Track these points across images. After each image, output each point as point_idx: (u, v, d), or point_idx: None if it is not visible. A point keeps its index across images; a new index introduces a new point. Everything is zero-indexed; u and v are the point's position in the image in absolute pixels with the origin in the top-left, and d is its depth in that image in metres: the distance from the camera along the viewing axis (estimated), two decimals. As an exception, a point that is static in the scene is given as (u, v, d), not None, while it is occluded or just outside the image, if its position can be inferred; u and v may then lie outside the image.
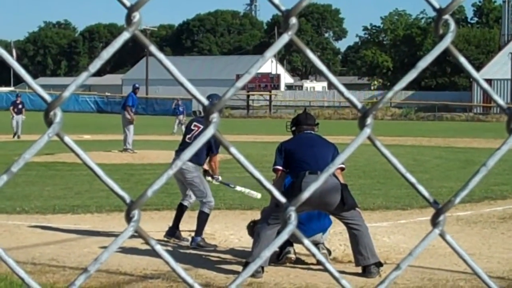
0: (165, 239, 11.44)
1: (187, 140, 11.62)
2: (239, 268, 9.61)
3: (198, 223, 11.30)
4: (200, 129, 11.60)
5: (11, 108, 38.80)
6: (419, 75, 1.28)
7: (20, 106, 38.40)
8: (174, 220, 11.66)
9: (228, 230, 12.41)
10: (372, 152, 18.62)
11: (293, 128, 10.15)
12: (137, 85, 28.73)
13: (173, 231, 11.59)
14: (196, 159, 11.11)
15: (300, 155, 9.53)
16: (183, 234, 11.68)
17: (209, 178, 11.75)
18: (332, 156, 9.42)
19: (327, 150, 9.61)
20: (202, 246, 11.12)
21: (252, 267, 1.22)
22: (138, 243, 10.22)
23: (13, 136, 37.10)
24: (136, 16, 1.11)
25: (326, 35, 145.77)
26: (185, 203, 11.71)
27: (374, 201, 15.83)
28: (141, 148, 27.96)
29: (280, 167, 9.63)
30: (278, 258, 9.84)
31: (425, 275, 9.25)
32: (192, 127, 11.81)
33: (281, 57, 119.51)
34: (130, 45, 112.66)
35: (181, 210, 11.74)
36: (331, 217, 10.09)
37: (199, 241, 11.17)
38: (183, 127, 44.98)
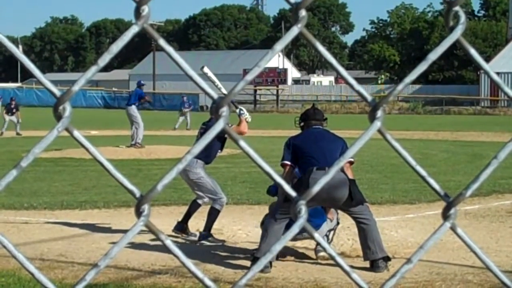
0: (173, 233, 11.42)
1: None
2: (247, 263, 9.61)
3: (207, 219, 11.26)
4: (205, 127, 11.59)
5: (4, 110, 39.53)
6: (426, 69, 1.27)
7: (14, 110, 38.98)
8: (185, 216, 11.62)
9: (236, 225, 12.41)
10: (379, 146, 18.70)
11: (302, 124, 10.14)
12: (142, 82, 28.71)
13: (182, 226, 11.57)
14: (205, 156, 11.07)
15: (308, 151, 9.52)
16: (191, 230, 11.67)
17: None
18: (341, 151, 9.41)
19: (335, 145, 9.59)
20: (210, 241, 11.11)
21: (263, 262, 1.21)
22: (146, 239, 10.23)
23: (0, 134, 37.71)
24: (145, 9, 1.10)
25: (333, 29, 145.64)
26: (199, 201, 11.59)
27: (382, 195, 15.81)
28: (148, 143, 27.96)
29: (288, 162, 9.61)
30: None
31: (434, 269, 9.23)
32: (200, 130, 11.79)
33: (288, 52, 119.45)
34: (137, 41, 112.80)
35: (193, 207, 11.66)
36: (330, 216, 10.13)
37: (207, 237, 11.16)
38: (182, 118, 44.81)
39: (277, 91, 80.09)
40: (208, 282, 1.18)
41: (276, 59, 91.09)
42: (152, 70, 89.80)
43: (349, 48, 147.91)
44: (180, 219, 11.66)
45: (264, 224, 9.58)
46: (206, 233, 11.20)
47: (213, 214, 11.27)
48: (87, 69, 1.13)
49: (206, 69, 11.70)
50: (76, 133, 1.11)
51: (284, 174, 9.54)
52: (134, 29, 1.11)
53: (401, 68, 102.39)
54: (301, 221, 1.18)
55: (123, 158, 24.40)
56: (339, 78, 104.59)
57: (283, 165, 9.63)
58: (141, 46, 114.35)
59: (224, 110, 1.14)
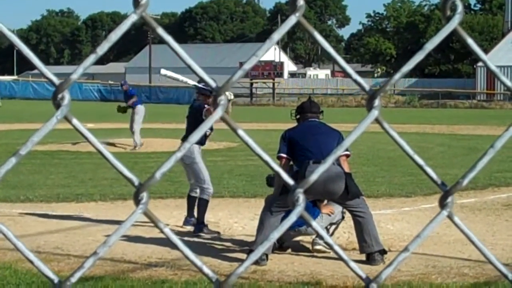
0: (170, 224, 11.45)
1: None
2: (243, 256, 9.62)
3: (198, 210, 11.33)
4: (190, 110, 11.72)
5: None
6: (422, 62, 1.27)
7: None
8: (188, 211, 11.68)
9: (232, 218, 12.41)
10: (376, 140, 18.73)
11: (298, 116, 10.12)
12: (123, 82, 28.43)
13: (191, 221, 11.63)
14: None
15: (303, 143, 9.52)
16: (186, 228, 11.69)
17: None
18: (337, 143, 9.39)
19: (331, 138, 9.57)
20: (206, 233, 11.12)
21: (260, 250, 1.22)
22: (142, 232, 10.23)
23: None
24: (144, -3, 1.10)
25: (329, 22, 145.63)
26: (192, 193, 11.67)
27: (378, 188, 15.83)
28: (145, 136, 27.90)
29: (284, 155, 9.62)
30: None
31: (430, 262, 9.25)
32: (186, 114, 11.91)
33: (284, 45, 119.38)
34: (133, 33, 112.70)
35: (190, 201, 11.71)
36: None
37: (202, 228, 11.18)
38: None
39: (273, 84, 79.95)
40: (206, 270, 1.18)
41: (272, 52, 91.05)
42: (149, 63, 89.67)
43: (345, 42, 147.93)
44: (186, 214, 11.69)
45: (260, 217, 9.59)
46: (201, 225, 11.22)
47: (202, 205, 11.34)
48: (86, 58, 1.14)
49: (163, 71, 11.76)
50: (75, 121, 1.12)
51: (280, 167, 9.52)
52: (133, 18, 1.11)
53: (398, 61, 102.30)
54: (299, 209, 1.18)
55: (119, 151, 24.37)
56: (335, 71, 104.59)
57: (279, 158, 9.64)
58: (138, 39, 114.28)
59: (222, 99, 1.15)
